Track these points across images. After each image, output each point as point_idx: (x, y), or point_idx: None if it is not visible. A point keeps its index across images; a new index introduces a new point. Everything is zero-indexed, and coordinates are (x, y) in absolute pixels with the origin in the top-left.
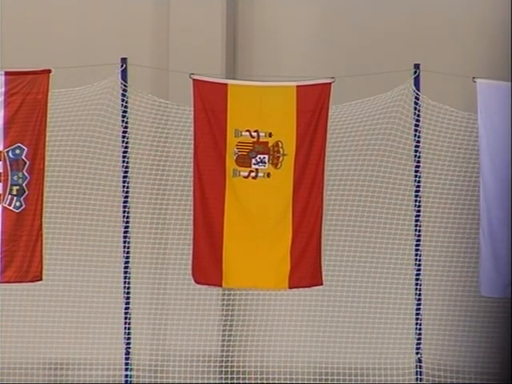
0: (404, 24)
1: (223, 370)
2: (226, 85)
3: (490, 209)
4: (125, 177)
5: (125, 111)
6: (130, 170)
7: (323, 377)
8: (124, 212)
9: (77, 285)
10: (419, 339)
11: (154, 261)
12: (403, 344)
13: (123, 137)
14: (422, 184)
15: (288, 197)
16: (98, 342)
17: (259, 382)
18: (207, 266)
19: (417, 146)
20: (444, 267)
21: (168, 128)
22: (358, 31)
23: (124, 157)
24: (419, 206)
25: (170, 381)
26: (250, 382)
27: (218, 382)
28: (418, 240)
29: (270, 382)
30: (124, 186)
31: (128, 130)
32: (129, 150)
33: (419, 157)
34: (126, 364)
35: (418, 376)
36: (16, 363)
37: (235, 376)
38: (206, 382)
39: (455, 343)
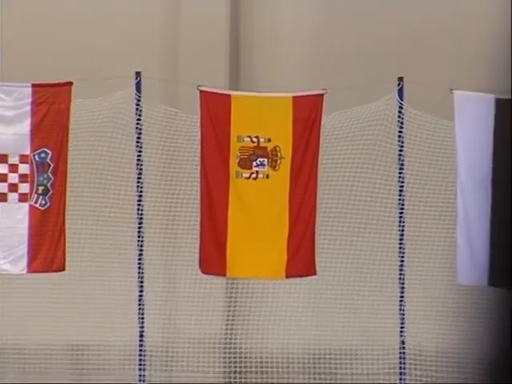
0: (391, 38)
1: (226, 351)
2: (229, 95)
3: (466, 207)
4: (139, 177)
5: (138, 119)
6: (143, 171)
7: (317, 357)
8: (138, 209)
9: (96, 274)
10: (403, 323)
11: (165, 253)
12: (388, 328)
13: (137, 141)
14: (405, 183)
15: (285, 196)
16: (115, 327)
17: (259, 363)
18: (212, 258)
19: (400, 150)
20: (425, 259)
21: (178, 134)
22: (349, 47)
23: (138, 159)
24: (403, 204)
25: (180, 362)
26: (250, 362)
27: (222, 362)
28: (402, 235)
29: (269, 362)
30: (138, 186)
31: (142, 135)
32: (142, 153)
33: (403, 160)
34: (140, 346)
35: (402, 355)
36: (40, 346)
37: (237, 357)
38: (211, 363)
39: (436, 327)
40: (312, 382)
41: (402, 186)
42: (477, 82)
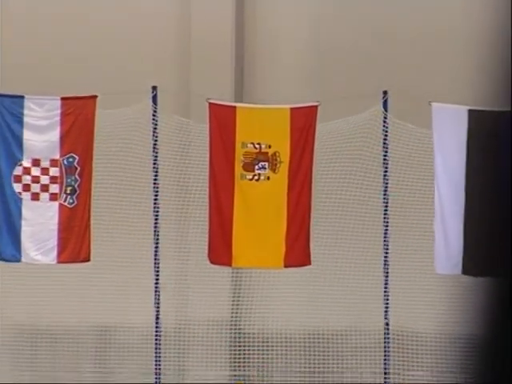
0: (379, 52)
1: (232, 331)
2: (235, 107)
3: (442, 206)
4: (155, 178)
5: (155, 128)
6: (159, 172)
7: (311, 336)
8: (154, 207)
9: (117, 264)
10: (387, 307)
11: (178, 246)
12: (374, 311)
13: (154, 147)
14: (389, 184)
15: (283, 196)
16: (135, 310)
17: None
18: (220, 250)
19: (385, 155)
20: (407, 252)
21: (189, 140)
22: (341, 63)
23: (154, 162)
24: (387, 202)
25: (191, 340)
26: (253, 340)
27: (228, 341)
28: (386, 230)
29: (270, 341)
30: (154, 185)
31: (157, 142)
32: (158, 157)
33: (387, 164)
34: (157, 327)
35: (386, 336)
36: (70, 327)
37: (242, 336)
38: (218, 341)
39: (418, 310)
40: (307, 358)
41: (386, 186)
42: (461, 93)
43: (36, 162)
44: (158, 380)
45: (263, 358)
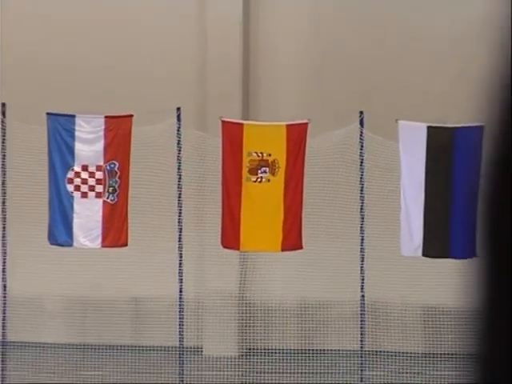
0: (362, 74)
1: (239, 301)
2: (242, 124)
3: (407, 201)
4: (179, 181)
5: (179, 140)
6: (182, 176)
7: (302, 306)
8: (178, 202)
9: (151, 250)
10: (363, 281)
11: (198, 233)
12: (351, 284)
13: (178, 155)
14: (365, 184)
15: (280, 194)
16: (161, 284)
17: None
18: (230, 237)
19: (361, 162)
20: (379, 237)
21: (206, 150)
22: (328, 86)
23: (178, 167)
24: (363, 198)
25: (208, 310)
26: (256, 308)
27: (236, 309)
28: (362, 220)
29: (271, 309)
30: (179, 186)
31: (181, 151)
32: (181, 163)
33: (363, 169)
34: (180, 297)
35: (361, 307)
36: (106, 298)
37: (247, 306)
38: (228, 309)
39: (389, 284)
40: (299, 324)
41: (362, 186)
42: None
43: (85, 168)
44: (181, 343)
45: (264, 324)
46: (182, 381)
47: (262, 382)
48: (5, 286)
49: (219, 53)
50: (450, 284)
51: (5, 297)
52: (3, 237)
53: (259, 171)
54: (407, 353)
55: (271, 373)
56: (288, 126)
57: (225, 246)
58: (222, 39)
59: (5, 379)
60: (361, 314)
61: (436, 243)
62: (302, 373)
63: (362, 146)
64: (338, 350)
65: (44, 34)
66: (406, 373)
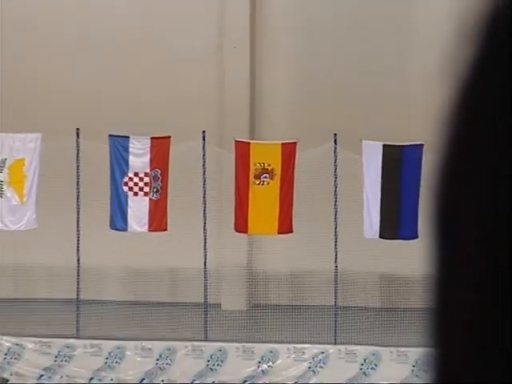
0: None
1: (247, 270)
2: (249, 143)
3: (368, 198)
4: (204, 184)
5: (204, 154)
6: (206, 180)
7: (294, 273)
8: (203, 199)
9: (185, 229)
10: (336, 255)
11: (217, 221)
12: (328, 258)
13: (203, 165)
14: (338, 186)
15: (277, 193)
16: (191, 256)
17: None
18: (241, 224)
19: (335, 171)
20: (349, 223)
21: (223, 162)
22: (313, 116)
23: (204, 174)
24: (336, 197)
25: (224, 276)
26: (258, 277)
27: (245, 275)
28: (335, 210)
29: (270, 275)
30: (203, 187)
31: (206, 162)
32: (206, 171)
33: (336, 175)
34: (204, 267)
35: (335, 274)
36: (151, 267)
37: (253, 274)
38: (239, 276)
39: (356, 257)
40: (292, 288)
41: (336, 188)
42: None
43: (136, 174)
44: (205, 300)
45: (265, 286)
46: (206, 328)
47: (264, 327)
48: (78, 260)
49: (232, 93)
50: (400, 256)
51: (78, 265)
52: (77, 224)
53: (262, 176)
54: (369, 308)
55: (271, 323)
56: (283, 144)
57: (237, 231)
58: (234, 82)
59: (79, 331)
60: (335, 279)
61: (389, 229)
62: (293, 323)
63: (335, 159)
64: (320, 306)
65: (105, 73)
66: (367, 321)
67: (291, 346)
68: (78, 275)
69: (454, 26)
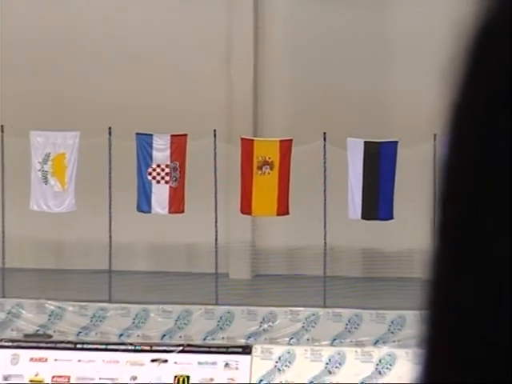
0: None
1: (251, 245)
2: (253, 140)
3: (352, 186)
4: (215, 174)
5: (215, 149)
6: (217, 171)
7: (289, 247)
8: (215, 187)
9: (200, 211)
10: (325, 233)
11: (226, 204)
12: (318, 235)
13: (214, 159)
14: (327, 175)
15: (276, 182)
16: (204, 224)
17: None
18: (246, 206)
19: (324, 163)
20: (337, 206)
21: (231, 156)
22: (307, 116)
23: (215, 168)
24: (325, 184)
25: (232, 250)
26: (259, 251)
27: (249, 249)
28: (325, 195)
29: (270, 249)
30: (215, 178)
31: (216, 157)
32: (217, 164)
33: (325, 167)
34: (216, 242)
35: (324, 248)
36: (163, 246)
37: (256, 248)
38: (245, 250)
39: (342, 234)
40: (287, 260)
41: (325, 177)
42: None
43: (158, 166)
44: (216, 270)
45: (266, 258)
46: (217, 294)
47: (265, 293)
48: (110, 237)
49: (238, 99)
50: (379, 234)
51: (110, 241)
52: (110, 208)
53: (263, 168)
54: (352, 277)
55: (271, 290)
56: (280, 140)
57: (242, 212)
58: (240, 89)
59: (110, 297)
60: (324, 254)
61: (369, 211)
62: (289, 290)
63: (324, 153)
64: (311, 275)
65: (132, 83)
66: (351, 289)
67: (288, 309)
68: (110, 250)
69: (443, 35)
